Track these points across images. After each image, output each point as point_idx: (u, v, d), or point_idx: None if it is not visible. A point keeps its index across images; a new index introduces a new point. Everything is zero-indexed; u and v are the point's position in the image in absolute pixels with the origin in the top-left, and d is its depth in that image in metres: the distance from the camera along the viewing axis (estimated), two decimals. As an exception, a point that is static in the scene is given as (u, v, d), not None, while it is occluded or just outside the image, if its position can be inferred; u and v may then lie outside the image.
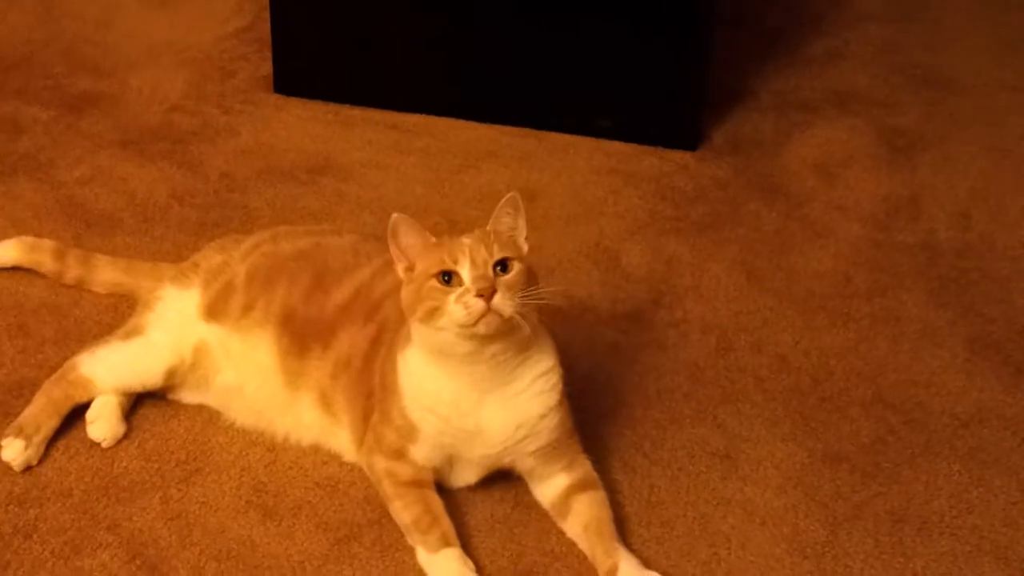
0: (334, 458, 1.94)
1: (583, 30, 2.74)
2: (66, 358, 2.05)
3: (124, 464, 1.91)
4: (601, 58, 2.76)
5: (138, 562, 1.75)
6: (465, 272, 1.67)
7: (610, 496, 1.86)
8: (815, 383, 2.14)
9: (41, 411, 1.93)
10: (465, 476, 1.85)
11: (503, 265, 1.70)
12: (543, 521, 1.85)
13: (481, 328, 1.66)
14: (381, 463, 1.83)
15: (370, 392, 1.85)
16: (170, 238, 2.43)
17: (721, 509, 1.89)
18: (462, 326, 1.66)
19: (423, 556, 1.76)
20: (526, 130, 2.84)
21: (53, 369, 2.04)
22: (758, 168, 2.76)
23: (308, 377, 1.92)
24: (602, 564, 1.75)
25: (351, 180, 2.66)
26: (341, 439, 1.92)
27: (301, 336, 1.93)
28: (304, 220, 2.51)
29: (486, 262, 1.68)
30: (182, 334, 1.98)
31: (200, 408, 2.01)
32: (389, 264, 1.84)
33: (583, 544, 1.80)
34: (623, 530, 1.82)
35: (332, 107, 2.92)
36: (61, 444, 1.93)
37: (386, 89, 2.91)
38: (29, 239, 2.29)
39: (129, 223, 2.47)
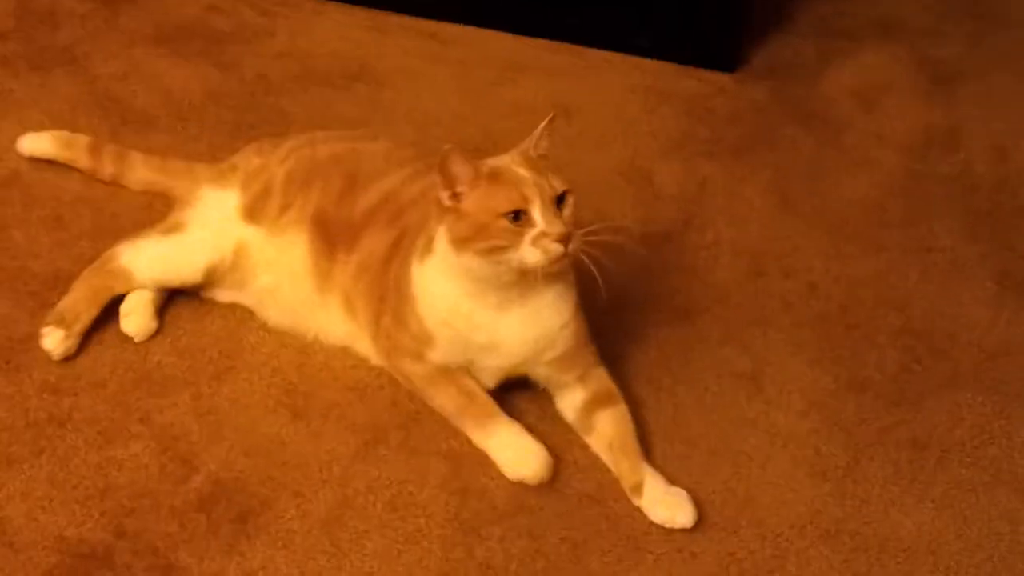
0: (363, 362, 1.96)
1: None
2: (101, 251, 2.06)
3: (157, 359, 1.94)
4: (642, -26, 2.73)
5: (169, 454, 1.78)
6: (537, 213, 1.67)
7: (634, 412, 1.89)
8: (843, 310, 2.15)
9: (80, 300, 1.95)
10: (483, 380, 1.86)
11: (561, 198, 1.70)
12: (567, 433, 1.87)
13: (554, 269, 1.69)
14: (406, 365, 1.86)
15: (384, 295, 1.87)
16: (205, 138, 2.43)
17: (744, 430, 1.91)
18: (534, 267, 1.68)
19: (477, 436, 1.81)
20: (564, 45, 2.81)
21: (89, 262, 2.05)
22: (796, 93, 2.74)
23: (335, 280, 1.94)
24: (627, 480, 1.78)
25: (386, 87, 2.65)
26: (366, 342, 1.94)
27: (331, 239, 1.94)
28: (338, 126, 2.49)
29: (553, 200, 1.69)
30: (222, 233, 1.99)
31: (233, 308, 2.03)
32: (419, 172, 1.85)
33: (608, 460, 1.82)
34: (647, 446, 1.84)
35: (369, 13, 2.90)
36: (96, 336, 1.96)
37: (425, -4, 2.89)
38: (65, 134, 2.30)
39: (165, 121, 2.47)
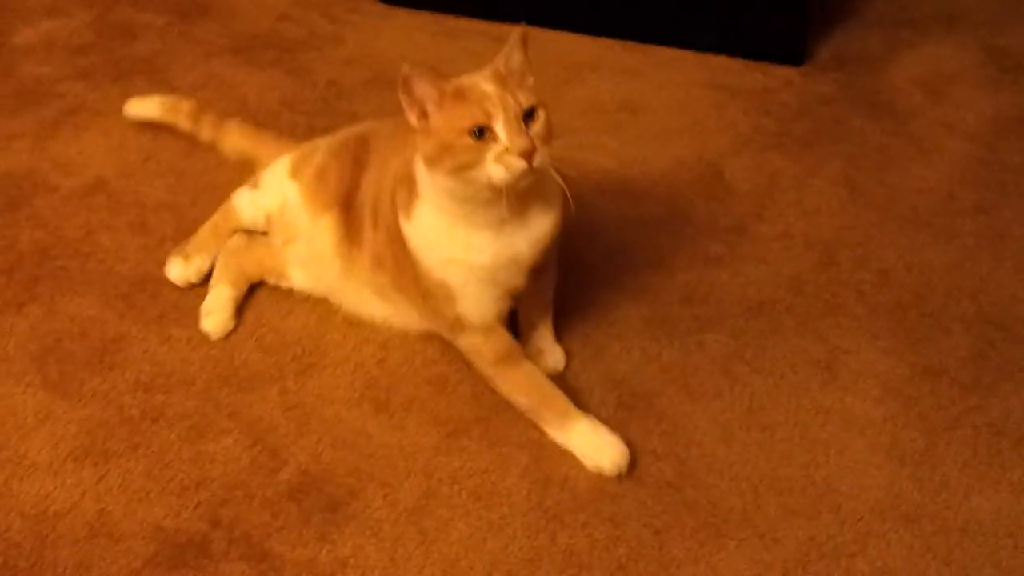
0: (442, 356, 2.00)
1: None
2: (186, 255, 2.14)
3: (244, 356, 1.99)
4: (707, -29, 2.76)
5: (259, 447, 1.84)
6: (500, 128, 1.65)
7: (712, 403, 1.92)
8: (917, 298, 2.16)
9: (203, 235, 2.14)
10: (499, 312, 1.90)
11: (530, 114, 1.68)
12: (645, 421, 1.90)
13: (521, 185, 1.68)
14: (462, 342, 1.91)
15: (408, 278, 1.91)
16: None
17: (820, 417, 1.93)
18: (500, 184, 1.66)
19: (554, 432, 1.85)
20: (630, 43, 2.85)
21: (174, 265, 2.13)
22: (863, 84, 2.75)
23: (358, 267, 2.00)
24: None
25: (456, 90, 2.69)
26: (405, 317, 2.00)
27: (352, 224, 2.00)
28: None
29: (517, 115, 1.66)
30: (276, 189, 2.09)
31: (314, 306, 2.08)
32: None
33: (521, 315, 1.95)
34: (726, 434, 1.87)
35: (436, 17, 2.95)
36: (184, 336, 2.02)
37: (491, 0, 2.93)
38: (171, 98, 2.45)
39: (242, 128, 2.54)
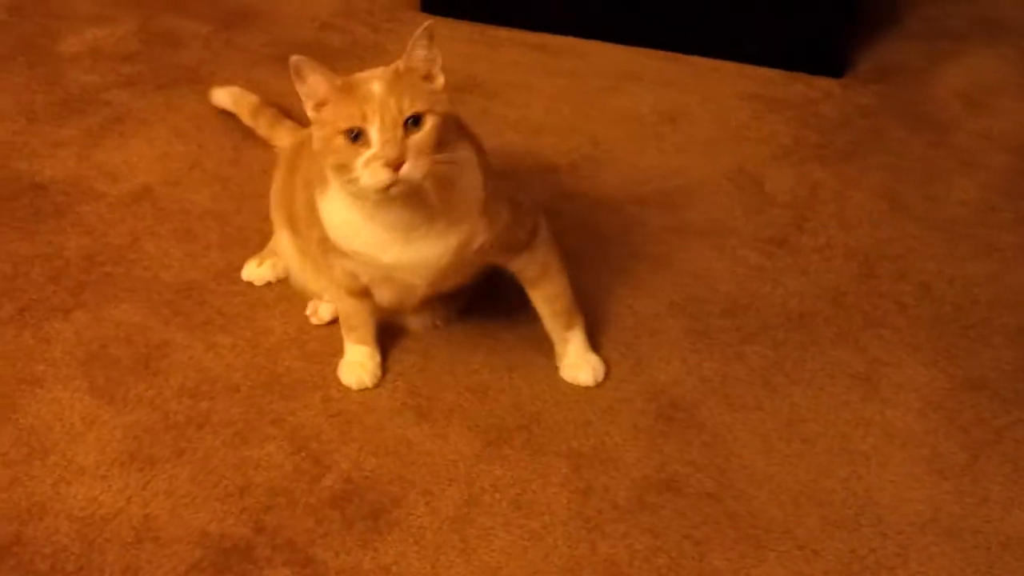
0: (484, 365, 2.01)
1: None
2: (230, 262, 2.17)
3: (287, 364, 2.01)
4: (748, -18, 2.76)
5: (303, 454, 1.85)
6: (374, 133, 1.60)
7: (753, 414, 1.93)
8: (958, 311, 2.15)
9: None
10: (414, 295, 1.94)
11: (416, 119, 1.62)
12: (685, 432, 1.91)
13: (392, 192, 1.63)
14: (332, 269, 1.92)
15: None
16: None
17: (861, 430, 1.93)
18: (368, 190, 1.63)
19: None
20: (671, 54, 2.86)
21: (218, 272, 2.16)
22: (904, 96, 2.74)
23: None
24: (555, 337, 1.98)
25: (496, 99, 2.71)
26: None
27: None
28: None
29: (396, 121, 1.60)
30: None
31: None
32: None
33: (545, 322, 1.98)
34: (767, 446, 1.88)
35: (477, 27, 2.97)
36: (227, 342, 2.04)
37: (531, 10, 2.95)
38: (238, 90, 2.54)
39: (285, 136, 2.56)
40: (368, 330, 1.98)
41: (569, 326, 1.98)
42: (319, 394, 1.96)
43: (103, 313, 2.09)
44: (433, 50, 1.68)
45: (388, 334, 2.06)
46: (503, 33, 2.94)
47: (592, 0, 2.90)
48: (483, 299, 2.08)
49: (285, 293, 2.14)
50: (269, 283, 2.16)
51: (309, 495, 1.79)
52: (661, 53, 2.86)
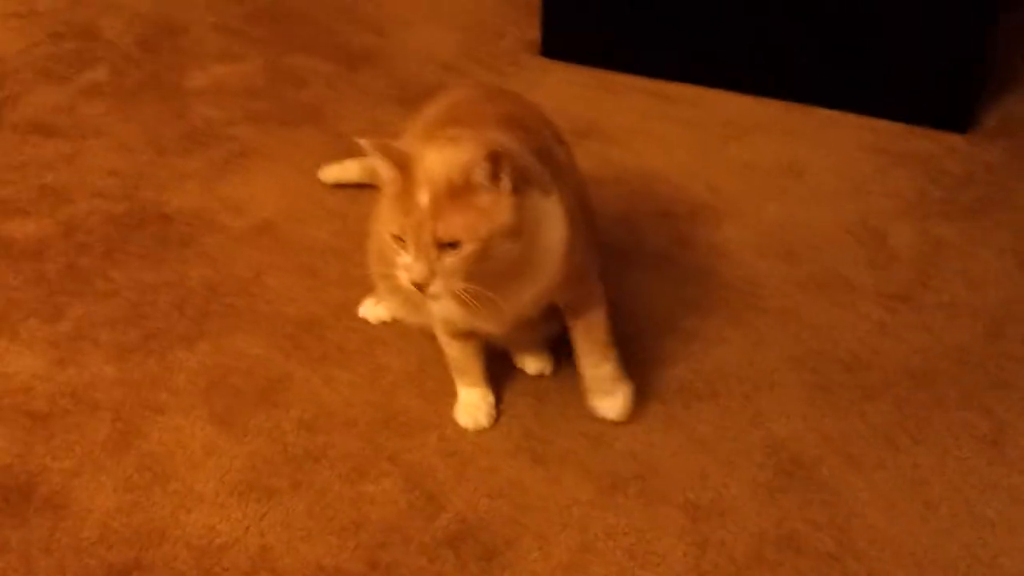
0: (599, 411, 2.00)
1: (855, 5, 2.71)
2: (351, 299, 2.19)
3: (404, 402, 2.02)
4: (873, 34, 2.72)
5: (417, 492, 1.86)
6: (409, 249, 1.61)
7: (875, 473, 1.89)
8: (1089, 376, 2.09)
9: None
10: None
11: (453, 243, 1.60)
12: (807, 493, 1.87)
13: (427, 296, 1.65)
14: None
15: None
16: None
17: (987, 494, 1.87)
18: (405, 286, 1.65)
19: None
20: (793, 104, 2.83)
21: (339, 308, 2.18)
22: (1032, 154, 2.69)
23: None
24: (586, 368, 1.92)
25: (615, 145, 2.71)
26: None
27: None
28: (570, 182, 2.57)
29: (429, 244, 1.59)
30: None
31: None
32: None
33: (578, 356, 1.93)
34: (886, 504, 1.83)
35: (597, 73, 2.98)
36: (346, 378, 2.06)
37: (652, 57, 2.94)
38: (347, 162, 2.53)
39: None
40: (478, 372, 1.98)
41: (606, 357, 1.93)
42: (435, 433, 1.96)
43: (225, 343, 2.12)
44: (499, 183, 1.60)
45: (502, 376, 2.06)
46: (623, 79, 2.95)
47: (712, 48, 2.89)
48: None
49: (402, 331, 2.15)
50: (385, 322, 2.18)
51: (423, 533, 1.79)
52: (782, 103, 2.84)
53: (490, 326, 1.85)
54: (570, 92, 2.92)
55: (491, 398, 2.00)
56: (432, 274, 1.60)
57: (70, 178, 2.52)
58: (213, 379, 2.05)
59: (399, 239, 1.61)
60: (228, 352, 2.11)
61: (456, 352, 1.97)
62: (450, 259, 1.60)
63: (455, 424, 1.98)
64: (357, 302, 2.20)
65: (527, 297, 1.77)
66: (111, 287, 2.23)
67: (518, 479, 1.89)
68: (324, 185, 2.53)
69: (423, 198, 1.58)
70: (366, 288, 2.21)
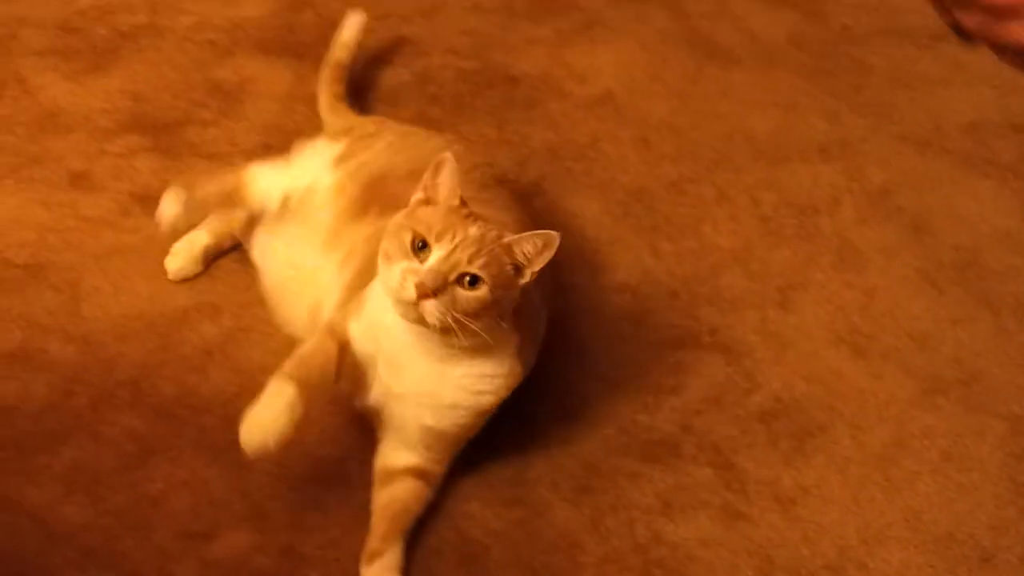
0: (927, 312, 1.97)
1: None
2: (683, 174, 2.24)
3: (728, 280, 2.04)
4: None
5: (735, 367, 1.89)
6: (432, 258, 1.51)
7: None
8: None
9: (209, 196, 1.91)
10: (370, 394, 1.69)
11: (473, 280, 1.51)
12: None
13: (398, 309, 1.54)
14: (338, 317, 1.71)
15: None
16: (785, 80, 2.51)
17: None
18: (388, 291, 1.54)
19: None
20: None
21: (671, 182, 2.23)
22: None
23: (345, 239, 1.82)
24: (371, 544, 1.64)
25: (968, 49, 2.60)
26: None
27: (368, 202, 1.83)
28: (918, 84, 2.49)
29: (455, 265, 1.51)
30: (309, 172, 1.92)
31: (804, 242, 2.10)
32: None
33: (373, 517, 1.67)
34: None
35: None
36: (671, 249, 2.09)
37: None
38: None
39: (747, 61, 2.57)
40: (319, 378, 1.63)
41: (398, 538, 1.66)
42: (757, 313, 1.98)
43: (559, 204, 2.20)
44: (542, 254, 1.55)
45: (832, 266, 2.04)
46: None
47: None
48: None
49: (731, 212, 2.16)
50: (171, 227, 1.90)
51: (737, 407, 1.83)
52: None
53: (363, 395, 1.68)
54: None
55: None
56: (439, 288, 1.50)
57: (427, 33, 2.64)
58: (546, 235, 2.13)
59: (420, 242, 1.52)
60: (561, 212, 2.18)
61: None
62: (460, 290, 1.51)
63: (778, 307, 1.99)
64: (689, 179, 2.22)
65: (447, 399, 1.63)
66: (458, 138, 2.33)
67: (838, 368, 1.89)
68: (665, 63, 2.54)
69: (473, 230, 1.53)
70: (701, 166, 2.23)
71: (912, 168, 2.28)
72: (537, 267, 1.55)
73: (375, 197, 1.83)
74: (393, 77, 2.49)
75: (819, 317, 1.98)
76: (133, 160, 2.15)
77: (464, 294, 1.51)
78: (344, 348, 1.65)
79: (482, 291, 1.51)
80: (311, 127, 2.17)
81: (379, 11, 2.71)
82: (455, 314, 1.50)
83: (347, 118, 2.15)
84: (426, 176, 1.58)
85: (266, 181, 1.91)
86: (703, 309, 1.99)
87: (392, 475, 1.69)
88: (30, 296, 1.93)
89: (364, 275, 1.70)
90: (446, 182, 1.56)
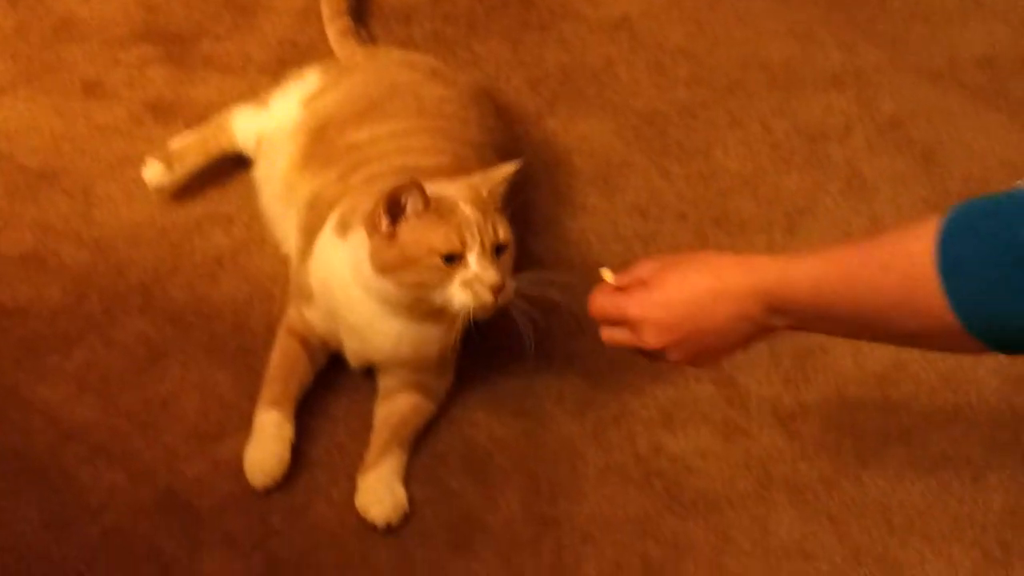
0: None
1: None
2: (697, 100, 2.23)
3: (736, 203, 2.06)
4: None
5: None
6: (473, 258, 1.53)
7: None
8: None
9: (191, 144, 1.96)
10: (349, 359, 1.74)
11: (501, 248, 1.57)
12: None
13: (478, 316, 1.55)
14: (290, 307, 1.76)
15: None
16: (803, 9, 2.47)
17: None
18: (459, 310, 1.54)
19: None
20: None
21: (697, 108, 2.22)
22: None
23: (297, 194, 1.82)
24: (369, 455, 1.67)
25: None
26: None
27: (312, 154, 1.83)
28: (936, 19, 2.47)
29: (493, 246, 1.55)
30: (283, 112, 1.93)
31: (810, 166, 2.11)
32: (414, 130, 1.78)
33: (373, 430, 1.69)
34: None
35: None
36: (682, 172, 2.10)
37: None
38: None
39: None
40: (297, 388, 1.71)
41: (396, 449, 1.68)
42: (764, 237, 2.00)
43: (572, 126, 2.20)
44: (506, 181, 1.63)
45: (841, 192, 2.04)
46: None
47: None
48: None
49: (746, 137, 2.17)
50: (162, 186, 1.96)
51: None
52: None
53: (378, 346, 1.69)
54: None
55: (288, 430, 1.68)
56: (504, 276, 1.55)
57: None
58: (557, 156, 2.14)
59: (448, 259, 1.53)
60: (572, 134, 2.19)
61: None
62: (506, 259, 1.57)
63: (784, 232, 2.01)
64: (701, 103, 2.22)
65: (425, 337, 1.66)
66: (471, 58, 2.33)
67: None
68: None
69: (468, 210, 1.55)
70: (716, 93, 2.23)
71: (924, 100, 2.28)
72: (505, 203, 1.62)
73: (317, 148, 1.82)
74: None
75: (825, 242, 1.99)
76: (146, 70, 2.16)
77: (507, 259, 1.58)
78: (306, 338, 1.71)
79: (512, 249, 1.59)
80: (325, 44, 2.17)
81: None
82: (513, 280, 1.56)
83: (353, 52, 2.11)
84: (380, 207, 1.54)
85: (243, 122, 1.96)
86: (711, 231, 2.01)
87: (392, 390, 1.72)
88: (43, 201, 1.95)
89: (306, 245, 1.72)
90: (416, 202, 1.53)
